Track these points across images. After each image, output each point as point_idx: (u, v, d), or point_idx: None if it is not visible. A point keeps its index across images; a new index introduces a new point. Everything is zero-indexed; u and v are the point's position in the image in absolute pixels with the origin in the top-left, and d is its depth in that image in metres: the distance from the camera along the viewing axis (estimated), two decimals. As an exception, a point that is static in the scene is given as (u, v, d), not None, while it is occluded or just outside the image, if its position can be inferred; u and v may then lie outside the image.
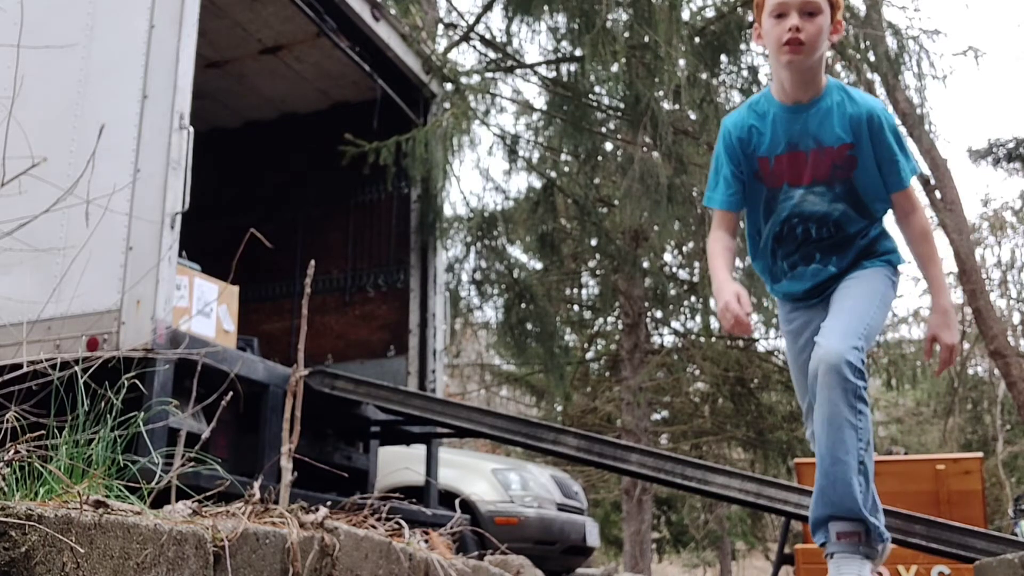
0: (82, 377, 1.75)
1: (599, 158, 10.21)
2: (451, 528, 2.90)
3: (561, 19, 8.01)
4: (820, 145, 2.50)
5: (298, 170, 6.50)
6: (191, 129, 3.91)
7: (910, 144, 11.68)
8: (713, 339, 12.24)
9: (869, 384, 2.35)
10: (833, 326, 2.40)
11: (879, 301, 2.50)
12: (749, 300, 2.52)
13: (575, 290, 14.06)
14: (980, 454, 5.81)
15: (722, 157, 2.62)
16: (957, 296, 13.25)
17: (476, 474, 6.55)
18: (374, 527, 2.30)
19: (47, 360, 2.03)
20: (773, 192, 2.58)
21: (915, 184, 2.52)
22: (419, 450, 5.58)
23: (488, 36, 8.50)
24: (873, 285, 2.53)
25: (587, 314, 14.25)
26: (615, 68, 7.00)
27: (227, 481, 1.98)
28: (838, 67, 9.03)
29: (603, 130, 9.30)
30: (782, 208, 2.58)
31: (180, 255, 4.00)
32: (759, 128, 2.56)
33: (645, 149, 7.66)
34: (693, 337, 12.82)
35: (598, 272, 13.27)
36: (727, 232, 2.66)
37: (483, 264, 8.50)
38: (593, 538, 7.02)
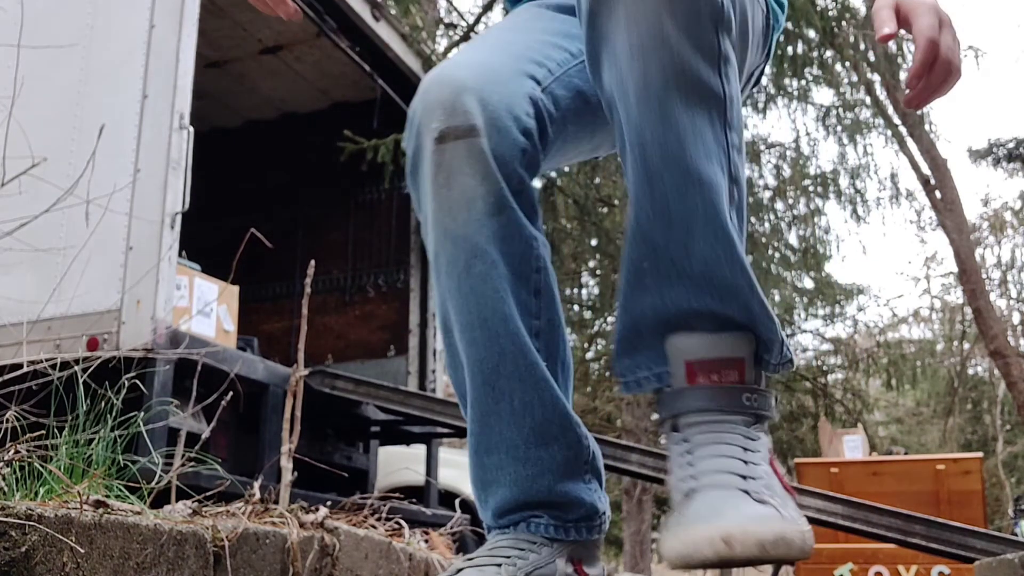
0: (82, 377, 1.75)
1: (599, 158, 10.21)
2: (451, 528, 2.89)
3: (561, 19, 8.00)
4: None
5: (298, 170, 6.50)
6: (191, 129, 3.91)
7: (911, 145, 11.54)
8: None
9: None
10: None
11: None
12: None
13: (575, 290, 14.04)
14: (980, 454, 5.83)
15: None
16: (957, 296, 13.24)
17: (476, 474, 6.53)
18: (374, 527, 2.30)
19: (47, 360, 2.03)
20: None
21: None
22: (419, 450, 5.58)
23: (488, 36, 8.50)
24: None
25: (587, 314, 14.23)
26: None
27: (227, 481, 1.98)
28: (838, 67, 9.03)
29: (603, 130, 9.29)
30: None
31: (180, 255, 4.00)
32: None
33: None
34: (693, 337, 12.79)
35: (598, 272, 13.25)
36: None
37: (483, 264, 8.49)
38: (593, 538, 7.01)
